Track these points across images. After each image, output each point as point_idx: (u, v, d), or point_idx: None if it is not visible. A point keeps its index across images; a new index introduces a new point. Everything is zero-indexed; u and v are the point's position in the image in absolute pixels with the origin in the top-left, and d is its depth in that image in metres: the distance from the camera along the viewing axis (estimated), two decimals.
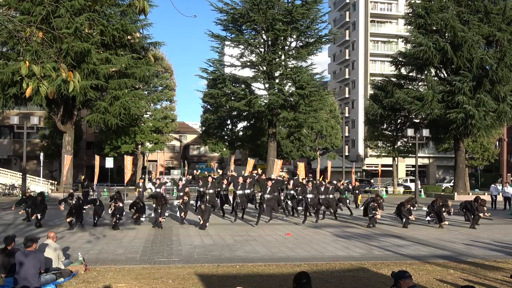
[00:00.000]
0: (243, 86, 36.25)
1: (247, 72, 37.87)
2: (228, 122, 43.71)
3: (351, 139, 61.55)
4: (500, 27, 32.19)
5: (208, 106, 43.29)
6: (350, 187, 22.65)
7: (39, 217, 15.85)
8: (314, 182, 20.16)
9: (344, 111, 57.39)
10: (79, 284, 8.17)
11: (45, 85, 4.71)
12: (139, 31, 34.72)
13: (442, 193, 35.87)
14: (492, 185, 27.58)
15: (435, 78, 35.09)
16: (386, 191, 39.24)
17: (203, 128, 46.54)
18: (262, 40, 36.00)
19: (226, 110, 38.88)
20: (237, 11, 34.91)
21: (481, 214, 16.77)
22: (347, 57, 63.75)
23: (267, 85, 35.63)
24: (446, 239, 14.02)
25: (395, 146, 42.33)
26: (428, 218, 17.35)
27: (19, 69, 25.31)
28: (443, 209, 16.75)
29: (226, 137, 44.58)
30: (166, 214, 17.01)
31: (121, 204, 15.44)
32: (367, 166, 57.06)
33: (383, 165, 46.28)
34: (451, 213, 17.45)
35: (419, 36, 32.79)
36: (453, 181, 39.75)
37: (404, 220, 16.58)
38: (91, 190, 24.74)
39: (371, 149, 48.35)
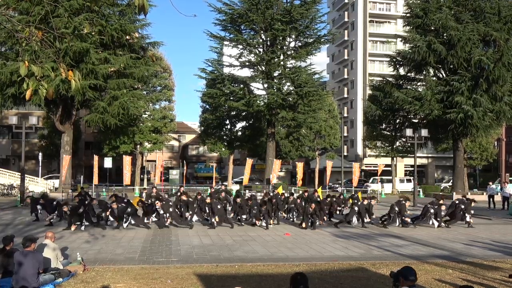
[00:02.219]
0: (241, 86, 36.23)
1: (246, 72, 37.83)
2: (227, 122, 43.68)
3: (349, 139, 61.54)
4: (495, 26, 32.20)
5: (207, 106, 43.23)
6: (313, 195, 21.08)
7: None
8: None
9: (342, 111, 57.41)
10: (77, 284, 8.16)
11: (45, 86, 4.69)
12: (138, 31, 34.65)
13: (440, 193, 35.89)
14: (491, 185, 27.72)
15: (434, 78, 35.09)
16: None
17: (202, 128, 46.50)
18: (261, 40, 35.97)
19: (225, 110, 38.85)
20: (236, 11, 34.85)
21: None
22: (346, 57, 63.74)
23: (265, 85, 35.59)
24: (445, 238, 14.04)
25: (394, 146, 42.34)
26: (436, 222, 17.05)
27: (17, 69, 25.29)
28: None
29: (225, 137, 44.55)
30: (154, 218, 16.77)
31: (115, 206, 15.48)
32: (365, 166, 57.05)
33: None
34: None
35: (416, 36, 32.83)
36: (451, 181, 39.77)
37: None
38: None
39: (370, 149, 48.34)
